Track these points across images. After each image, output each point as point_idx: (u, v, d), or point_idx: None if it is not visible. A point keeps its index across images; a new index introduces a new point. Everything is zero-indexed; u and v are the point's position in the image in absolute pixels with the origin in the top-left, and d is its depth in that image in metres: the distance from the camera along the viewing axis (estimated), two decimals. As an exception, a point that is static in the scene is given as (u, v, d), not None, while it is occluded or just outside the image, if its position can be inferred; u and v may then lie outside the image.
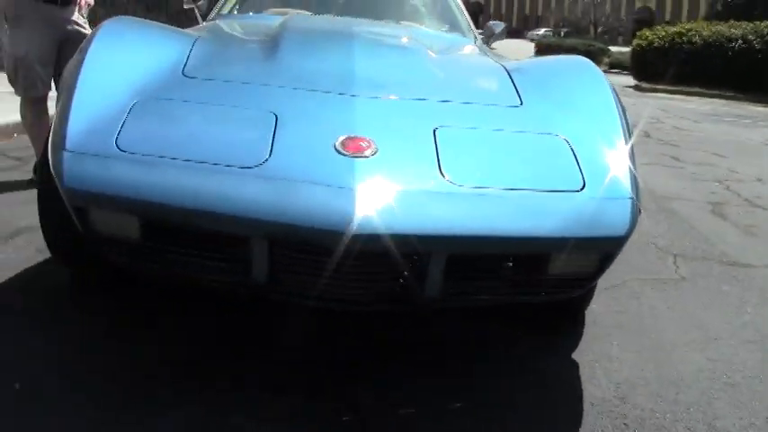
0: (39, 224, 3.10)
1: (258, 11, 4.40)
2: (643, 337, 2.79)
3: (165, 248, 2.09)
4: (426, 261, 1.95)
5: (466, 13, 4.80)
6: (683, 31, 20.25)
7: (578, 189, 2.09)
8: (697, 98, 17.67)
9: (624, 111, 2.57)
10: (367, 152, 2.03)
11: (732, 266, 3.81)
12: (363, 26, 3.76)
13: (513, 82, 2.72)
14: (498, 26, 4.87)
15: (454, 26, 4.54)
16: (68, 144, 2.06)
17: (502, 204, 1.99)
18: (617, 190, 2.13)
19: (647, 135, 9.29)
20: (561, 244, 2.00)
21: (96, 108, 2.19)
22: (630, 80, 21.65)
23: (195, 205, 1.91)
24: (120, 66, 2.41)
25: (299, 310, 2.41)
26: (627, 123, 2.50)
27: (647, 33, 21.24)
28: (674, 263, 3.78)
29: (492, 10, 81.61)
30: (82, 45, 2.54)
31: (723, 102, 17.13)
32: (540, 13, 75.94)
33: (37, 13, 4.22)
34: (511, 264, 2.07)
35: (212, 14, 4.38)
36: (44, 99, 4.47)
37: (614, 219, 2.06)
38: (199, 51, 2.67)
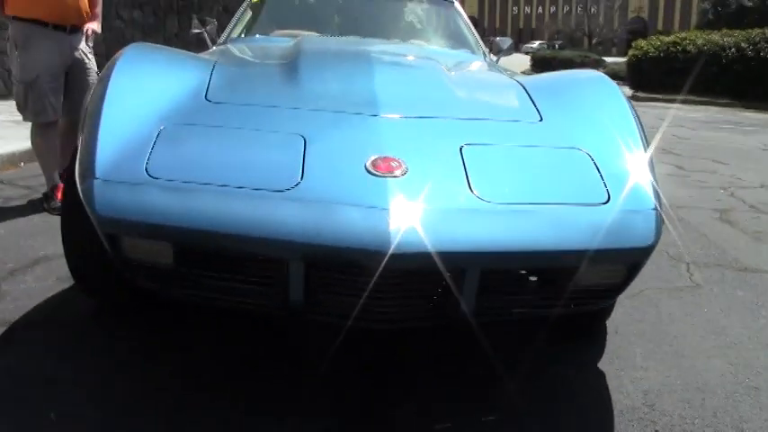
0: (57, 253, 3.16)
1: (265, 33, 4.48)
2: (664, 344, 2.84)
3: (198, 273, 2.11)
4: (460, 277, 1.99)
5: (473, 29, 4.88)
6: (678, 40, 20.36)
7: (603, 202, 2.14)
8: (693, 106, 17.75)
9: (641, 122, 2.64)
10: (397, 172, 2.08)
11: (744, 272, 3.86)
12: (377, 46, 3.83)
13: (531, 98, 2.78)
14: (506, 42, 4.96)
15: (463, 43, 4.62)
16: (98, 172, 2.08)
17: (531, 219, 2.04)
18: (641, 201, 2.18)
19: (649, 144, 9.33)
20: (590, 256, 2.04)
21: (123, 135, 2.21)
22: (627, 90, 21.74)
23: (230, 230, 1.93)
24: (143, 92, 2.46)
25: (320, 326, 2.47)
26: (645, 135, 2.56)
27: (643, 43, 21.35)
28: (688, 270, 3.83)
29: (486, 24, 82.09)
30: (102, 73, 2.59)
31: (718, 109, 17.22)
32: (534, 26, 76.36)
33: (46, 40, 4.34)
34: (541, 277, 2.12)
35: (222, 39, 4.45)
36: (54, 125, 4.58)
37: (640, 230, 2.11)
38: (219, 76, 2.72)
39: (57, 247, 3.42)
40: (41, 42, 4.33)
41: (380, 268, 1.88)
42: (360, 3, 5.03)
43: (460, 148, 2.27)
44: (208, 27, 4.54)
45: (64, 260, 2.77)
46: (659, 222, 2.16)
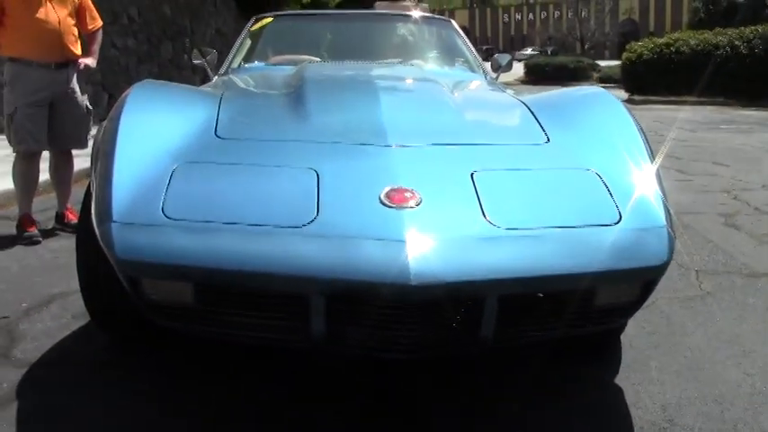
0: (71, 290, 3.18)
1: (265, 60, 4.53)
2: (679, 356, 2.86)
3: (219, 311, 2.14)
4: (479, 304, 2.01)
5: (471, 46, 4.92)
6: (671, 41, 20.44)
7: (615, 222, 2.16)
8: (689, 106, 17.78)
9: (646, 136, 2.67)
10: (412, 202, 2.10)
11: (753, 278, 3.89)
12: (379, 71, 3.86)
13: (536, 118, 2.81)
14: (504, 58, 5.01)
15: (462, 61, 4.67)
16: (116, 214, 2.11)
17: (545, 243, 2.07)
18: (651, 219, 2.21)
19: (648, 149, 9.37)
20: (605, 277, 2.07)
21: (137, 176, 2.25)
22: (622, 93, 21.81)
23: (250, 268, 1.97)
24: (153, 131, 2.50)
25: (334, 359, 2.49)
26: (650, 149, 2.59)
27: (636, 46, 21.41)
28: (697, 278, 3.86)
29: (478, 33, 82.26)
30: (112, 112, 2.62)
31: (715, 108, 17.27)
32: (525, 33, 76.57)
33: (30, 76, 4.53)
34: (558, 299, 2.14)
35: (223, 68, 4.49)
36: (36, 155, 4.77)
37: (653, 248, 2.14)
38: (226, 111, 2.75)
39: (69, 283, 3.49)
40: (25, 79, 4.52)
41: (399, 301, 1.90)
42: (357, 26, 5.09)
43: (472, 175, 2.29)
44: (208, 57, 4.59)
45: (77, 297, 2.80)
46: (671, 239, 2.18)
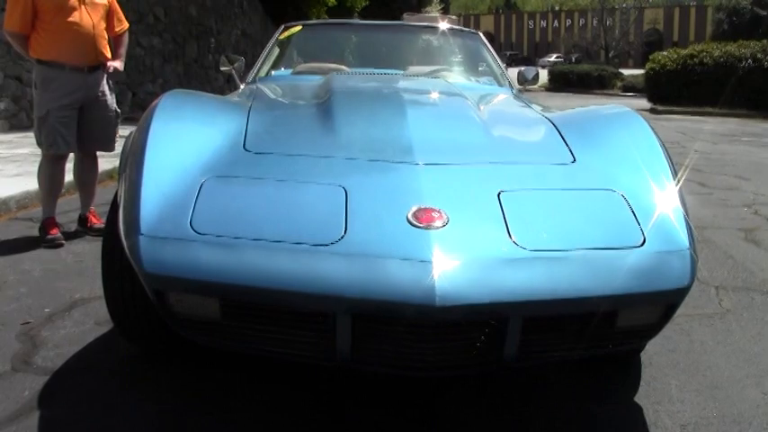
0: (93, 295, 3.19)
1: (292, 66, 4.56)
2: (698, 374, 2.86)
3: (245, 326, 2.16)
4: (504, 324, 2.03)
5: (498, 59, 4.93)
6: (695, 52, 20.37)
7: (639, 244, 2.17)
8: (712, 118, 17.72)
9: (670, 156, 2.68)
10: (438, 222, 2.12)
11: (773, 295, 3.88)
12: (406, 83, 3.88)
13: (563, 137, 2.82)
14: (531, 72, 5.03)
15: (489, 75, 4.68)
16: (144, 228, 2.13)
17: (570, 266, 2.08)
18: (675, 242, 2.22)
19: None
20: (629, 299, 2.09)
21: (166, 189, 2.27)
22: (645, 103, 21.73)
23: (278, 285, 1.98)
24: (182, 143, 2.51)
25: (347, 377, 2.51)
26: (674, 168, 2.59)
27: (660, 56, 21.35)
28: (717, 295, 3.85)
29: (503, 39, 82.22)
30: (140, 123, 2.64)
31: (737, 120, 17.20)
32: (550, 40, 76.34)
33: (62, 79, 4.56)
34: (581, 320, 2.15)
35: (250, 76, 4.52)
36: (64, 158, 4.82)
37: (676, 271, 2.14)
38: (255, 123, 2.78)
39: (92, 288, 3.53)
40: (57, 83, 4.56)
41: (425, 321, 1.92)
42: (385, 36, 5.12)
43: (498, 195, 2.31)
44: (236, 65, 4.63)
45: (100, 302, 2.81)
46: (694, 262, 2.19)
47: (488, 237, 2.14)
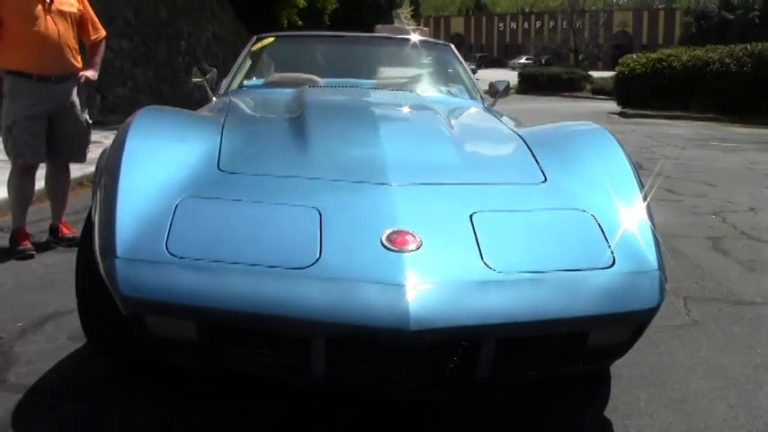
0: (66, 309, 3.19)
1: (264, 76, 4.58)
2: (667, 388, 2.92)
3: (222, 347, 2.18)
4: (477, 347, 2.07)
5: (469, 71, 4.99)
6: (664, 56, 20.69)
7: (609, 265, 2.23)
8: (680, 122, 17.98)
9: (638, 173, 2.74)
10: (412, 245, 2.15)
11: (739, 305, 3.96)
12: (379, 97, 3.91)
13: (534, 156, 2.87)
14: (502, 84, 5.08)
15: (460, 87, 4.73)
16: (119, 251, 2.15)
17: (541, 288, 2.12)
18: (644, 263, 2.28)
19: (641, 167, 9.47)
20: (599, 320, 2.14)
21: (141, 210, 2.28)
22: (615, 106, 21.98)
23: (253, 310, 2.01)
24: (156, 162, 2.53)
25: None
26: (642, 184, 2.65)
27: (629, 60, 21.63)
28: (685, 306, 3.92)
29: (473, 40, 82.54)
30: (115, 140, 2.65)
31: (705, 124, 17.47)
32: (520, 42, 76.68)
33: (30, 89, 4.51)
34: (552, 341, 2.19)
35: (223, 88, 4.53)
36: (33, 168, 4.77)
37: (645, 292, 2.20)
38: (228, 142, 2.79)
39: (64, 301, 3.50)
40: (24, 93, 4.51)
41: (399, 345, 1.96)
42: (358, 48, 5.15)
43: (471, 216, 2.34)
44: (207, 76, 4.63)
45: (73, 316, 2.80)
46: (662, 282, 2.25)
47: (461, 259, 2.17)
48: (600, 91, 28.87)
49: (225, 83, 4.60)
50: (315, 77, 4.52)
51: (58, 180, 5.01)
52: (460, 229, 2.29)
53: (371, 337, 1.99)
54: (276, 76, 4.79)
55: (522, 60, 57.24)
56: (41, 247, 4.81)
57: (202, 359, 2.25)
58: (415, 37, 5.38)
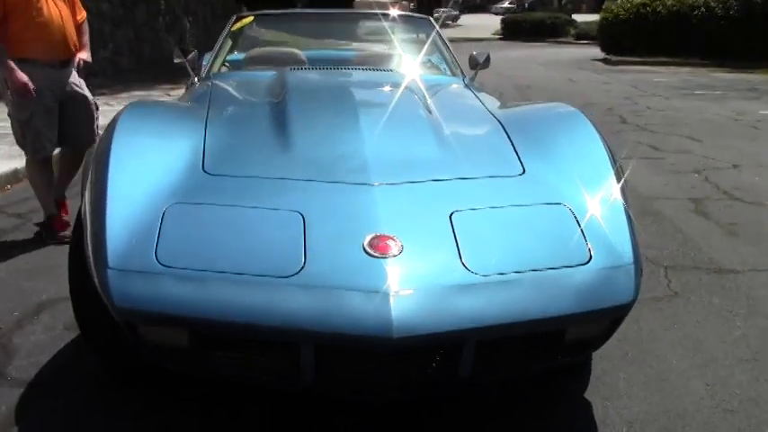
0: (60, 296, 3.30)
1: (246, 61, 4.61)
2: (646, 366, 3.02)
3: (214, 354, 2.26)
4: (458, 348, 2.16)
5: (449, 45, 5.01)
6: (648, 1, 20.54)
7: (585, 261, 2.29)
8: (665, 68, 18.01)
9: (614, 157, 2.82)
10: (393, 250, 2.21)
11: (719, 274, 4.07)
12: (359, 78, 3.94)
13: (512, 144, 2.93)
14: (482, 56, 5.09)
15: (441, 62, 4.76)
16: (111, 261, 2.20)
17: (519, 289, 2.19)
18: (620, 256, 2.34)
19: (624, 121, 9.55)
20: (576, 318, 2.21)
21: (130, 217, 2.34)
22: (598, 52, 21.94)
23: (243, 319, 2.08)
24: (143, 167, 2.58)
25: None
26: (619, 171, 2.73)
27: (613, 6, 21.51)
28: (666, 276, 4.02)
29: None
30: (102, 137, 2.71)
31: (690, 71, 17.49)
32: (503, -14, 75.73)
33: (37, 76, 4.41)
34: (531, 339, 2.28)
35: (204, 69, 4.56)
36: (50, 159, 4.70)
37: (621, 286, 2.28)
38: (212, 138, 2.85)
39: (58, 288, 3.54)
40: (33, 80, 4.38)
41: (383, 350, 2.04)
42: (337, 25, 5.16)
43: (450, 216, 2.40)
44: (189, 57, 4.64)
45: (67, 304, 2.83)
46: (638, 276, 2.32)
47: (441, 263, 2.24)
48: (584, 36, 28.73)
49: (206, 63, 4.61)
50: (296, 50, 4.55)
51: (67, 164, 4.91)
52: (440, 230, 2.35)
53: (357, 344, 2.08)
54: (257, 50, 4.81)
55: (506, 5, 56.68)
56: (35, 231, 4.80)
57: (195, 366, 2.33)
58: (394, 12, 5.39)
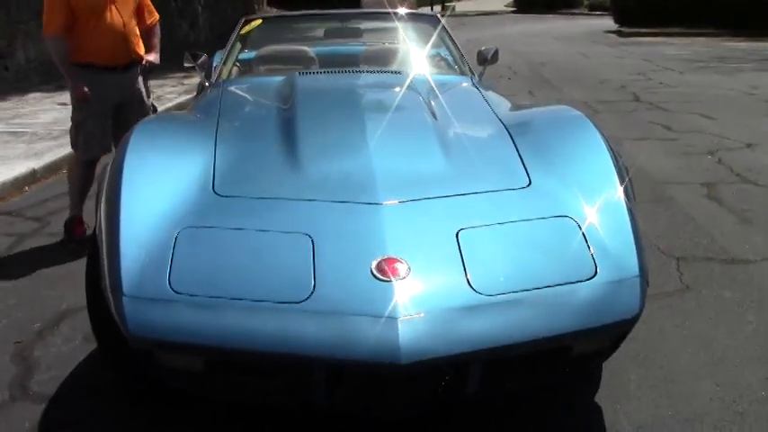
0: (79, 305, 3.28)
1: (255, 49, 4.65)
2: (655, 367, 3.04)
3: (226, 377, 2.33)
4: (466, 368, 2.21)
5: (457, 43, 5.01)
6: (661, -29, 20.34)
7: (591, 276, 2.32)
8: (678, 39, 17.86)
9: (619, 161, 2.85)
10: (401, 273, 2.25)
11: (732, 265, 4.07)
12: (366, 80, 3.97)
13: (517, 151, 2.96)
14: (490, 51, 5.09)
15: (448, 60, 4.78)
16: (126, 288, 2.26)
17: (526, 309, 2.22)
18: (626, 269, 2.37)
19: (637, 98, 9.51)
20: (582, 334, 2.25)
21: (143, 242, 2.39)
22: (611, 23, 21.77)
23: (254, 348, 2.14)
24: (155, 189, 2.62)
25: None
26: (624, 173, 2.76)
27: (626, -24, 21.31)
28: (678, 269, 4.03)
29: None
30: (114, 158, 2.76)
31: (705, 41, 17.38)
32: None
33: (97, 81, 4.53)
34: (537, 356, 2.31)
35: (215, 75, 4.62)
36: (97, 160, 4.77)
37: (626, 301, 2.30)
38: (222, 159, 2.90)
39: (78, 296, 3.54)
40: (94, 85, 4.50)
41: (392, 374, 2.09)
42: (345, 25, 5.18)
43: (456, 234, 2.43)
44: (199, 61, 4.69)
45: (85, 313, 2.86)
46: (644, 289, 2.35)
47: (448, 284, 2.28)
48: (598, 7, 28.49)
49: (216, 64, 4.66)
50: (306, 48, 4.58)
51: None
52: (447, 249, 2.38)
53: (366, 370, 2.13)
54: (267, 49, 4.86)
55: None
56: (57, 236, 4.82)
57: (209, 389, 2.40)
58: (401, 10, 5.39)
